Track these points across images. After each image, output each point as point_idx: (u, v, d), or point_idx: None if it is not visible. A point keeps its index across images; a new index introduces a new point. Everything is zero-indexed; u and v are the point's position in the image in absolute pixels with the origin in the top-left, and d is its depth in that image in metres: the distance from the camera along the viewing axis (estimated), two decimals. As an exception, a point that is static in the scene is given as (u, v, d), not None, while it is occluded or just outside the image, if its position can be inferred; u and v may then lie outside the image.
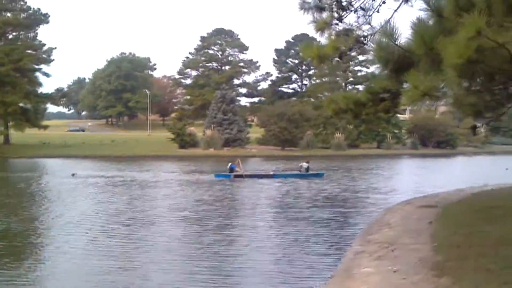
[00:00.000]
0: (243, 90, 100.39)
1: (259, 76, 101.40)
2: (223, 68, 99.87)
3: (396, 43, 6.64)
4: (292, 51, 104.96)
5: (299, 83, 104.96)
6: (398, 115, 75.29)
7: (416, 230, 10.53)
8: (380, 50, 7.05)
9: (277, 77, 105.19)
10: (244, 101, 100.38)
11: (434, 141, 73.59)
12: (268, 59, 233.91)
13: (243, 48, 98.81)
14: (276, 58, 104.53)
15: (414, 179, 31.29)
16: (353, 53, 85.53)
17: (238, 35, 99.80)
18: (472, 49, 4.79)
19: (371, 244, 9.49)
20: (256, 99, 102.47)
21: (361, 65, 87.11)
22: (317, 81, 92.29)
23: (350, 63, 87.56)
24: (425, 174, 35.70)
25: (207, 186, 25.27)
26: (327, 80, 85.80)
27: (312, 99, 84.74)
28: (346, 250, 10.55)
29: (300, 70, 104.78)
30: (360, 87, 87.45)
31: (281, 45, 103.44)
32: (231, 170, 30.47)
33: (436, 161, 54.28)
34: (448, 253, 7.97)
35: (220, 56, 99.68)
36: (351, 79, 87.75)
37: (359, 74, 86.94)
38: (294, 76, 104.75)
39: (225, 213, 17.47)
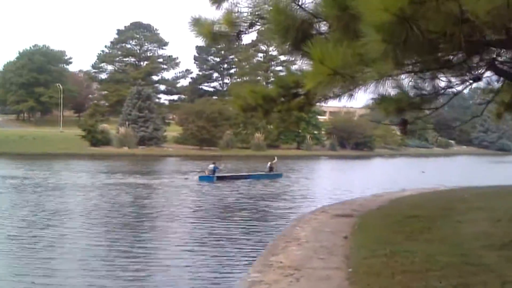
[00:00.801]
0: (162, 87, 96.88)
1: (179, 73, 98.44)
2: (141, 63, 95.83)
3: (298, 2, 4.77)
4: (214, 48, 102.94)
5: (221, 82, 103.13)
6: (318, 117, 75.86)
7: (329, 248, 8.82)
8: (278, 13, 5.11)
9: (198, 74, 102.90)
10: (163, 98, 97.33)
11: (352, 143, 74.27)
12: (188, 56, 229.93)
13: (162, 43, 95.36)
14: (197, 55, 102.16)
15: (331, 182, 30.19)
16: (274, 53, 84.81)
17: (157, 29, 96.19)
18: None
19: (272, 270, 7.60)
20: (175, 97, 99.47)
21: (282, 65, 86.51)
22: (238, 80, 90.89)
23: (272, 62, 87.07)
24: (343, 176, 34.85)
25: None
26: (248, 79, 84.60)
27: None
28: (239, 278, 8.47)
29: (221, 69, 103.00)
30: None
31: (202, 42, 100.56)
32: (213, 171, 28.68)
33: (354, 163, 54.29)
34: (365, 284, 6.23)
35: (138, 51, 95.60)
36: (272, 79, 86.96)
37: (280, 74, 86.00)
38: (215, 75, 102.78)
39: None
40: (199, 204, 19.20)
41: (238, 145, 66.51)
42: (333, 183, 29.30)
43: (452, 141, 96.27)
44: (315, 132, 72.41)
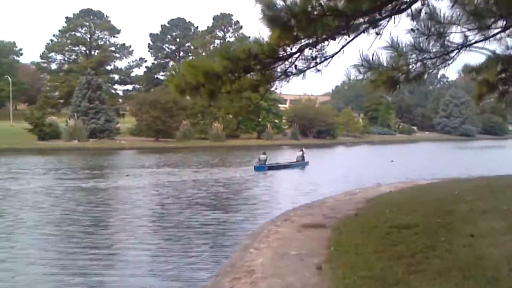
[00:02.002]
0: (116, 77, 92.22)
1: (133, 62, 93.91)
2: (92, 52, 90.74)
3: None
4: (169, 36, 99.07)
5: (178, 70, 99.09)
6: (279, 105, 73.19)
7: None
8: None
9: (153, 63, 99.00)
10: (118, 89, 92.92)
11: (314, 131, 71.93)
12: (142, 44, 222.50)
13: (114, 31, 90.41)
14: (151, 43, 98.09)
15: (295, 176, 27.35)
16: (232, 39, 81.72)
17: (108, 17, 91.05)
18: None
19: None
20: (130, 87, 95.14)
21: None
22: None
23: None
24: (306, 167, 31.95)
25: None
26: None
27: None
28: None
29: (177, 57, 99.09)
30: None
31: (157, 30, 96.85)
32: (265, 161, 30.42)
33: (317, 152, 51.70)
34: None
35: (88, 39, 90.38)
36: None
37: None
38: (172, 63, 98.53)
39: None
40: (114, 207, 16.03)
41: (196, 135, 63.31)
42: (298, 177, 26.52)
43: (415, 127, 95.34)
44: (276, 120, 69.65)
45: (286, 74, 9.27)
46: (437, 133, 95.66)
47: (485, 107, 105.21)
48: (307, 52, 8.71)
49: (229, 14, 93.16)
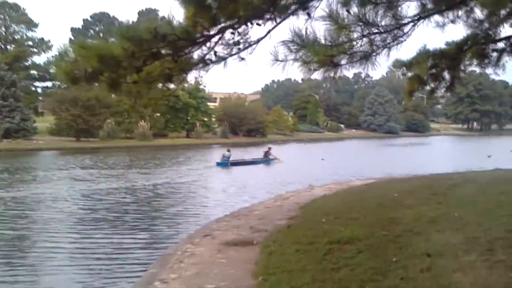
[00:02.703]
0: (35, 73, 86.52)
1: (52, 57, 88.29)
2: (7, 47, 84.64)
3: None
4: (91, 31, 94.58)
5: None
6: (209, 103, 71.41)
7: None
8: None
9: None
10: (38, 85, 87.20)
11: (244, 130, 70.69)
12: (63, 39, 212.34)
13: (31, 24, 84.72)
14: (72, 38, 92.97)
15: (222, 176, 25.74)
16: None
17: (25, 9, 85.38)
18: None
19: None
20: (50, 83, 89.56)
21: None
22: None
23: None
24: (235, 168, 30.26)
25: None
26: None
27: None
28: None
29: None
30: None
31: (78, 24, 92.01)
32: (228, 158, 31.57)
33: (247, 151, 50.36)
34: None
35: (3, 33, 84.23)
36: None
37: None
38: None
39: None
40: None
41: (122, 135, 60.23)
42: (225, 178, 24.92)
43: (342, 125, 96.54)
44: (205, 119, 67.77)
45: (204, 62, 7.60)
46: (363, 130, 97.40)
47: (407, 105, 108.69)
48: (228, 36, 7.11)
49: (155, 9, 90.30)
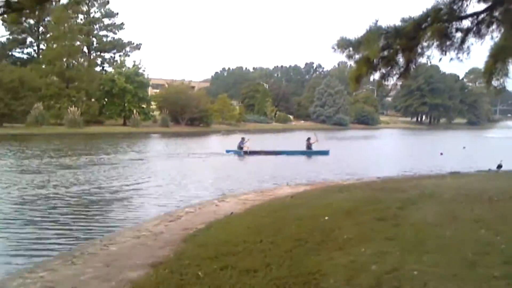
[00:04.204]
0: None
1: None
2: None
3: None
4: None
5: (35, 48, 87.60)
6: (149, 89, 66.91)
7: None
8: None
9: (8, 38, 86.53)
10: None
11: (187, 118, 66.58)
12: None
13: None
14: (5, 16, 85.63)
15: (148, 172, 21.69)
16: (97, 15, 73.49)
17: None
18: None
19: None
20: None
21: (107, 30, 75.62)
22: (55, 45, 77.19)
23: (94, 26, 75.24)
24: (159, 163, 26.15)
25: None
26: (66, 44, 71.76)
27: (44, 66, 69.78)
28: None
29: (37, 33, 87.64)
30: (107, 55, 76.84)
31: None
32: (240, 147, 31.77)
33: (187, 141, 46.43)
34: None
35: None
36: (96, 44, 75.52)
37: (105, 40, 75.31)
38: (30, 39, 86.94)
39: None
40: None
41: (51, 121, 55.18)
42: (151, 175, 20.92)
43: (291, 116, 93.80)
44: (143, 106, 63.09)
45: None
46: (312, 122, 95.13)
47: (358, 97, 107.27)
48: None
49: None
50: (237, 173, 21.40)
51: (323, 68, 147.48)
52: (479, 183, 11.77)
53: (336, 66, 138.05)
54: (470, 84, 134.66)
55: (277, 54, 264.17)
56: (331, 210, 8.62)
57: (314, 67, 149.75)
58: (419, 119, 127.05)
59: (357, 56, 11.38)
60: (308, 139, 33.95)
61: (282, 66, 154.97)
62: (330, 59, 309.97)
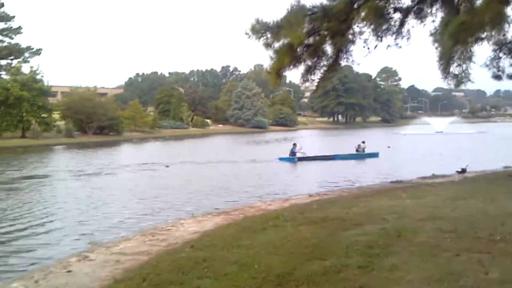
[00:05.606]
0: None
1: None
2: None
3: None
4: None
5: None
6: (49, 98, 61.03)
7: None
8: None
9: None
10: None
11: (94, 127, 61.49)
12: None
13: None
14: None
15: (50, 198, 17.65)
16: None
17: None
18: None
19: None
20: None
21: (2, 34, 68.91)
22: None
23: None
24: (82, 185, 21.70)
25: None
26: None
27: None
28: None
29: None
30: (3, 61, 69.87)
31: None
32: (293, 153, 30.92)
33: (94, 154, 41.96)
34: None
35: None
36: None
37: (1, 44, 68.54)
38: None
39: None
40: None
41: None
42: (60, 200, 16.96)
43: (209, 120, 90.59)
44: (44, 115, 57.23)
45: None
46: (231, 125, 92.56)
47: (275, 99, 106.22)
48: None
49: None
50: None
51: (240, 71, 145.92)
52: (450, 205, 9.18)
53: (253, 69, 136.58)
54: (383, 83, 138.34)
55: (193, 58, 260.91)
56: (249, 279, 5.59)
57: (231, 70, 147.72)
58: (335, 119, 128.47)
59: (277, 45, 9.36)
60: (360, 144, 34.00)
61: (198, 70, 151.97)
62: (247, 62, 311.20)
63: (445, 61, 9.79)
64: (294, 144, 32.08)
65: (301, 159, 30.42)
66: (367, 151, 33.61)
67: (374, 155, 32.73)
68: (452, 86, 10.92)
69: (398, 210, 8.97)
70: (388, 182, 18.53)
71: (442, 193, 11.55)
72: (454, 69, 10.30)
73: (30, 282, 6.41)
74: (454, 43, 9.10)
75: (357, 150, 33.51)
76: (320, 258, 6.06)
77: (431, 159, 30.61)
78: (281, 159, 30.56)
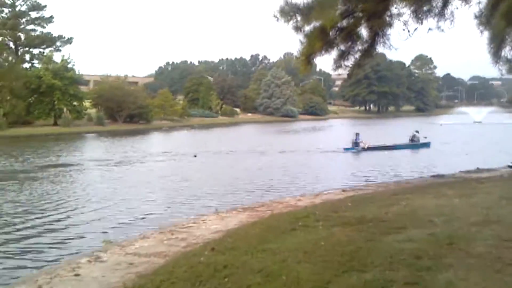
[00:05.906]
0: None
1: None
2: None
3: None
4: None
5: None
6: (82, 86, 61.44)
7: None
8: None
9: None
10: None
11: (124, 115, 61.56)
12: None
13: None
14: None
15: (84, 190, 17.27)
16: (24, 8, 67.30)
17: None
18: None
19: None
20: None
21: (35, 23, 69.31)
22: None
23: (20, 20, 68.74)
24: (105, 175, 21.42)
25: None
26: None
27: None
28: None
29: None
30: (36, 50, 70.56)
31: None
32: (356, 143, 31.12)
33: (125, 141, 41.85)
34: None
35: None
36: (23, 40, 69.10)
37: (33, 34, 68.98)
38: None
39: None
40: None
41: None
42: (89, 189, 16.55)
43: (237, 109, 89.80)
44: (75, 103, 57.54)
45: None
46: (260, 114, 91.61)
47: (305, 88, 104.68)
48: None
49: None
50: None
51: (269, 59, 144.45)
52: (507, 206, 8.12)
53: (282, 57, 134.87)
54: (417, 71, 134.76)
55: (222, 47, 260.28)
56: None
57: (260, 59, 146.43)
58: (367, 108, 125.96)
59: (307, 28, 8.59)
60: (414, 134, 34.10)
61: (227, 58, 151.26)
62: (276, 51, 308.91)
63: (496, 44, 8.84)
64: (357, 134, 32.14)
65: (364, 149, 30.70)
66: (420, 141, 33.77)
67: (426, 145, 32.78)
68: (504, 72, 9.86)
69: (446, 211, 7.97)
70: (429, 176, 17.50)
71: (494, 191, 10.41)
72: (506, 53, 9.16)
73: (32, 287, 5.80)
74: (507, 23, 8.15)
75: (411, 140, 33.61)
76: (359, 269, 5.22)
77: (480, 150, 29.46)
78: (346, 149, 30.83)
